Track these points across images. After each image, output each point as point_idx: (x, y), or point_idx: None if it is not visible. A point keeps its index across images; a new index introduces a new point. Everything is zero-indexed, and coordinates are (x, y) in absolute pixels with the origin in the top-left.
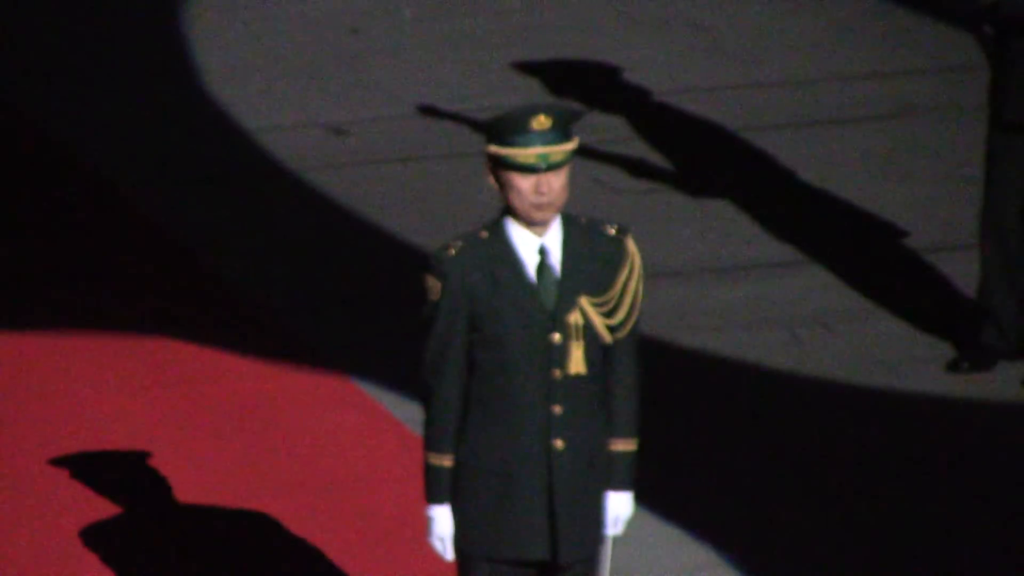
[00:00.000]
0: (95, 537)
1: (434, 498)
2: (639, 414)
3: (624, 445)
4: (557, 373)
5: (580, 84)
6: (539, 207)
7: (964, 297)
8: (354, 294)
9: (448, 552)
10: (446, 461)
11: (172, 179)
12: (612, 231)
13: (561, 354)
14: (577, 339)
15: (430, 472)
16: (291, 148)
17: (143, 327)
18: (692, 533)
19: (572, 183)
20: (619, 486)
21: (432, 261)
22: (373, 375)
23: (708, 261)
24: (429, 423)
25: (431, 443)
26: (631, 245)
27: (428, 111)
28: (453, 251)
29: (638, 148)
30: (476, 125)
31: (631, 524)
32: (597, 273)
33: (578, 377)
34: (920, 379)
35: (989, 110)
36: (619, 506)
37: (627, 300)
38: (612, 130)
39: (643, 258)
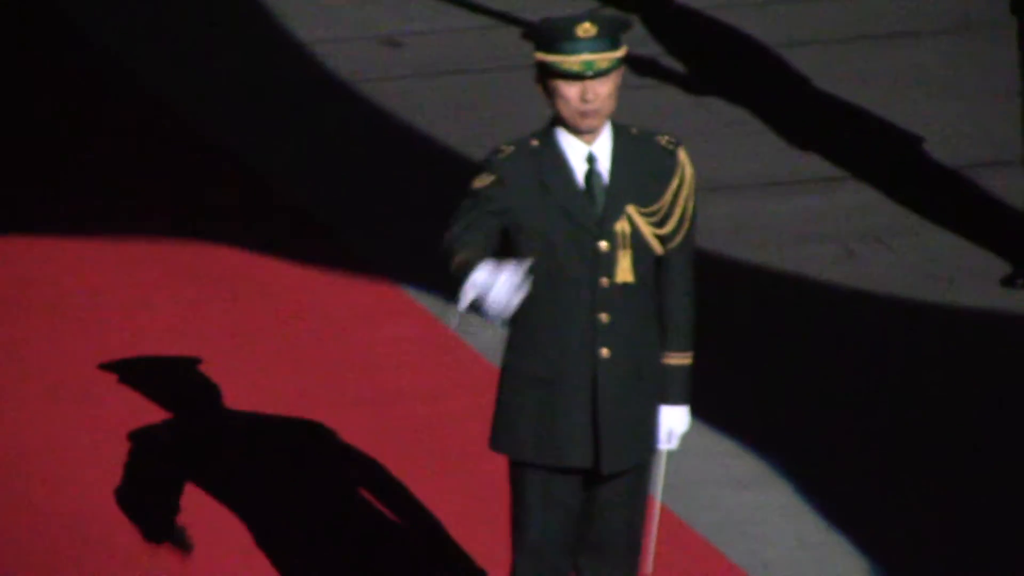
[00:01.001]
0: (151, 449)
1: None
2: (694, 328)
3: (678, 359)
4: (605, 281)
5: None
6: (585, 114)
7: (1016, 212)
8: (409, 206)
9: (466, 298)
10: (469, 254)
11: (227, 92)
12: (664, 142)
13: (608, 262)
14: (624, 247)
15: (459, 270)
16: (345, 60)
17: (200, 242)
18: (744, 447)
19: (628, 96)
20: (673, 400)
21: (483, 162)
22: (429, 287)
23: (761, 176)
24: (446, 253)
25: (450, 251)
26: (683, 156)
27: (480, 24)
28: (503, 154)
29: (688, 63)
30: (525, 33)
31: (685, 437)
32: (647, 183)
33: (626, 286)
34: (974, 294)
35: (1019, 24)
36: (673, 420)
37: (677, 211)
38: (661, 45)
39: (696, 171)
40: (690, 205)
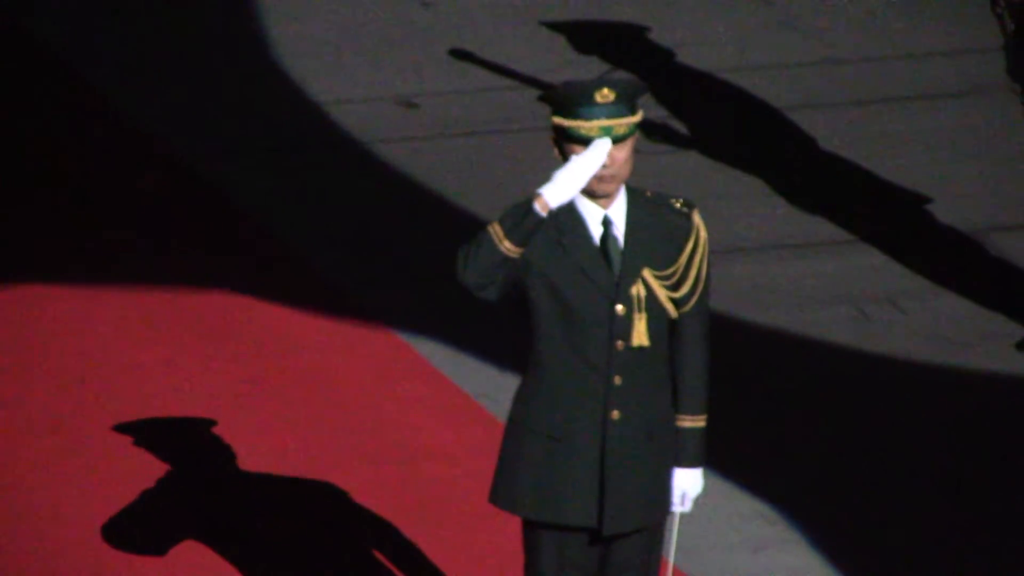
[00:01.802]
0: (159, 508)
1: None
2: (708, 391)
3: (692, 422)
4: (620, 344)
5: (648, 59)
6: (602, 179)
7: None
8: (421, 266)
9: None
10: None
11: (243, 151)
12: (678, 205)
13: (624, 325)
14: (640, 311)
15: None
16: (361, 121)
17: (211, 299)
18: (757, 510)
19: (644, 161)
20: (687, 462)
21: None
22: (441, 348)
23: (776, 238)
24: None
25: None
26: (697, 219)
27: (496, 85)
28: None
29: (702, 127)
30: (542, 97)
31: (698, 500)
32: (661, 246)
33: (641, 349)
34: (990, 358)
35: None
36: (686, 482)
37: (692, 274)
38: (680, 106)
39: (710, 234)
40: (704, 268)
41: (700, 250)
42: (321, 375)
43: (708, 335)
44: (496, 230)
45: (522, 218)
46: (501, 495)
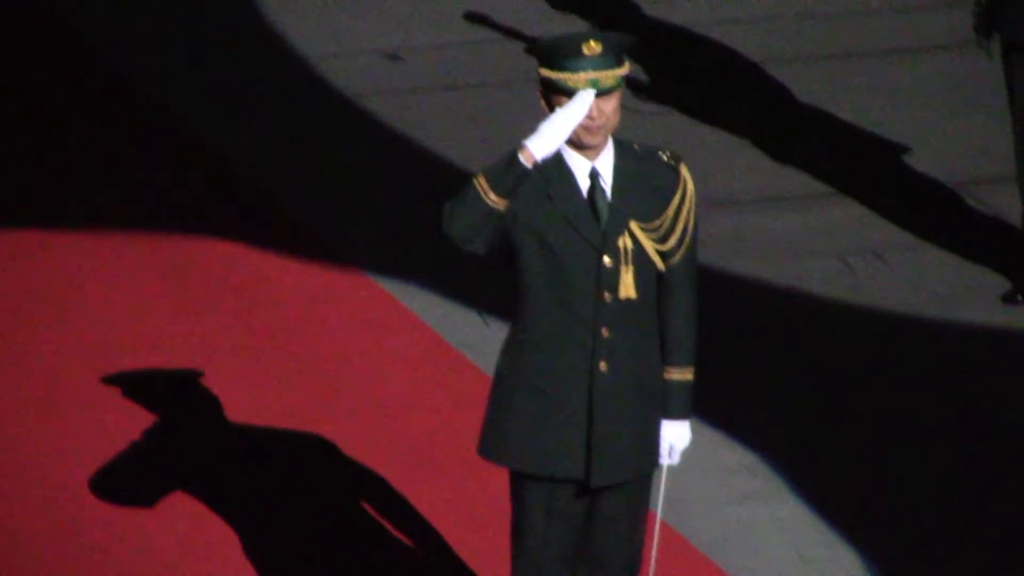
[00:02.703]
0: (147, 459)
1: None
2: (696, 343)
3: (679, 374)
4: (607, 296)
5: (633, 13)
6: (590, 131)
7: (1017, 229)
8: (409, 220)
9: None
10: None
11: (228, 104)
12: (666, 157)
13: (611, 277)
14: (627, 263)
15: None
16: (346, 74)
17: (201, 252)
18: (744, 462)
19: (627, 114)
20: (674, 415)
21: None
22: (427, 300)
23: (761, 191)
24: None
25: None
26: (684, 172)
27: (480, 38)
28: None
29: (690, 79)
30: (528, 49)
31: (685, 453)
32: (649, 199)
33: (628, 302)
34: (974, 310)
35: (999, 36)
36: (674, 435)
37: (679, 226)
38: (664, 60)
39: (696, 187)
40: (691, 221)
41: (687, 203)
42: (306, 327)
43: (695, 288)
44: (481, 182)
45: (507, 170)
46: (489, 447)
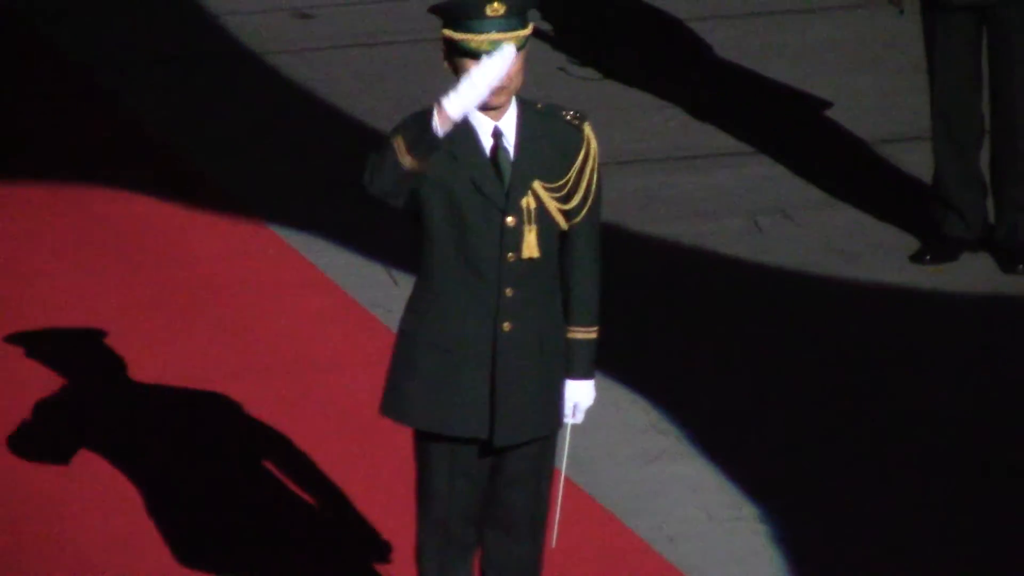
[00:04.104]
0: (39, 413)
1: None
2: (599, 302)
3: (583, 333)
4: (510, 256)
5: None
6: (493, 91)
7: (925, 188)
8: (318, 177)
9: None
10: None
11: (137, 61)
12: (569, 117)
13: (514, 237)
14: (530, 223)
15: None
16: (256, 31)
17: (105, 207)
18: (651, 421)
19: (533, 71)
20: (578, 374)
21: (395, 130)
22: (336, 260)
23: (669, 150)
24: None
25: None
26: (588, 131)
27: None
28: None
29: (600, 36)
30: (432, 9)
31: (591, 412)
32: (552, 158)
33: (531, 261)
34: (883, 269)
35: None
36: (577, 394)
37: (583, 186)
38: (574, 18)
39: (604, 146)
40: (595, 180)
41: (591, 162)
42: (216, 286)
43: (598, 247)
44: (399, 144)
45: (422, 133)
46: (392, 406)
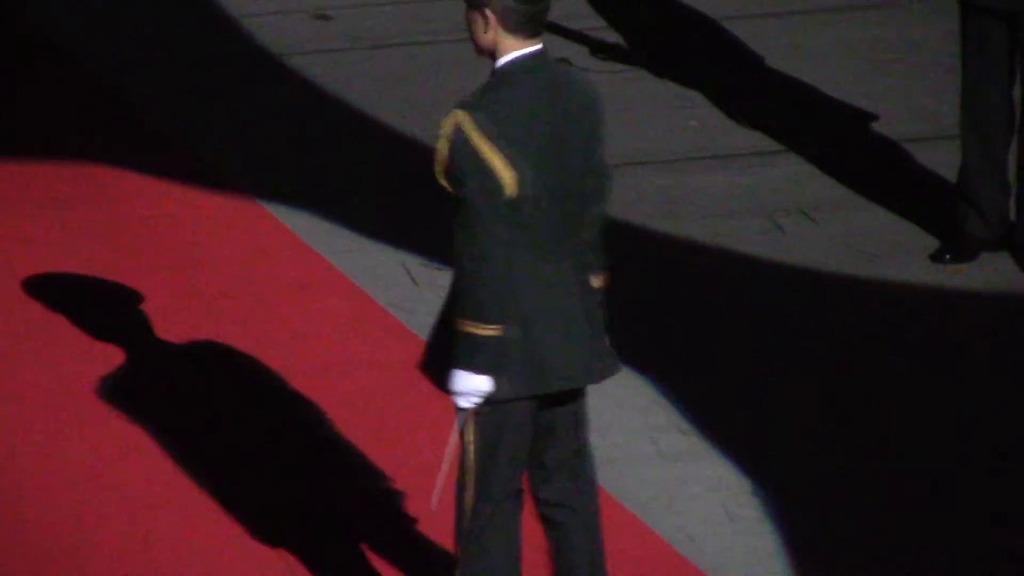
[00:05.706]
0: (58, 420)
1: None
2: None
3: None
4: None
5: None
6: None
7: (947, 187)
8: (340, 179)
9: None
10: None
11: (156, 66)
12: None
13: None
14: None
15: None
16: (274, 33)
17: (127, 209)
18: (672, 422)
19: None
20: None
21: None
22: (358, 262)
23: (692, 150)
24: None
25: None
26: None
27: None
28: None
29: (620, 35)
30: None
31: (609, 411)
32: None
33: None
34: (903, 269)
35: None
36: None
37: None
38: (594, 17)
39: (623, 145)
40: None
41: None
42: (239, 290)
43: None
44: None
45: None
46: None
